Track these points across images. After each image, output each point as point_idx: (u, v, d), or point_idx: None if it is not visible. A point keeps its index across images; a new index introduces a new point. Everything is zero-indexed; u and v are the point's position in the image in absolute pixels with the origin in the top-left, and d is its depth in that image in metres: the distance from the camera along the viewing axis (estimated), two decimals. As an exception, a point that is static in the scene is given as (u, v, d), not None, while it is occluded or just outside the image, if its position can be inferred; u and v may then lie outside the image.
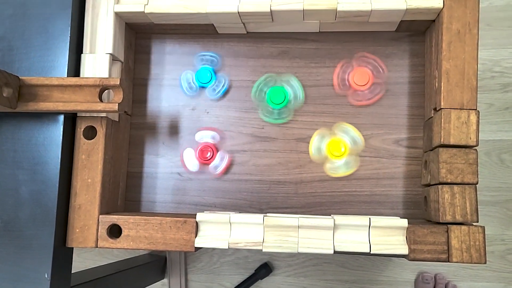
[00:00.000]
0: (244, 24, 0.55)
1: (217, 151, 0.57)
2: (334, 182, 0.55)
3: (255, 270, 0.85)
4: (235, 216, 0.49)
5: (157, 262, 0.83)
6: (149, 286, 0.81)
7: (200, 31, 0.58)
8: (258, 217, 0.48)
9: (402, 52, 0.56)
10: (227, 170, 0.57)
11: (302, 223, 0.47)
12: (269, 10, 0.51)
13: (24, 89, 0.50)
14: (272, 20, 0.53)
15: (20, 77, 0.50)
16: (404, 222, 0.47)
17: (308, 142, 0.56)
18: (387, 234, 0.47)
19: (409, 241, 0.47)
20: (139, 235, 0.50)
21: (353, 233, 0.48)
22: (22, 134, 0.52)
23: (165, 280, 0.85)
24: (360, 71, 0.55)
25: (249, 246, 0.48)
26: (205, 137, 0.57)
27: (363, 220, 0.47)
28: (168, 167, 0.58)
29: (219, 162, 0.57)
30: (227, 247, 0.49)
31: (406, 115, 0.56)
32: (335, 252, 0.47)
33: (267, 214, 0.49)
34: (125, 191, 0.59)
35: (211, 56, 0.58)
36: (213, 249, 0.85)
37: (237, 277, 0.86)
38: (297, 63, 0.57)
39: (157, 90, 0.59)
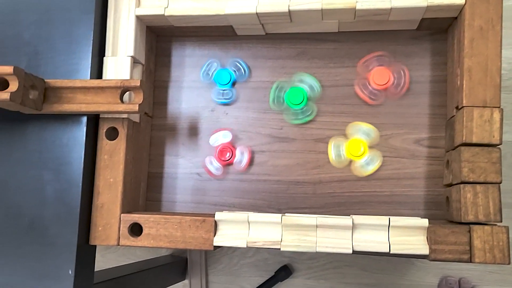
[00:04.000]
0: (262, 25, 0.56)
1: (235, 148, 0.57)
2: (353, 182, 0.55)
3: (275, 272, 0.85)
4: (254, 216, 0.49)
5: (178, 263, 0.84)
6: (171, 287, 0.82)
7: (219, 33, 0.59)
8: (276, 216, 0.48)
9: (423, 50, 0.56)
10: (250, 163, 0.57)
11: (321, 222, 0.47)
12: (287, 10, 0.51)
13: (49, 92, 0.52)
14: (291, 20, 0.54)
15: (45, 80, 0.51)
16: (425, 222, 0.46)
17: (327, 143, 0.56)
18: (407, 234, 0.47)
19: (430, 241, 0.46)
20: (159, 233, 0.51)
21: (372, 233, 0.47)
22: (47, 135, 0.54)
23: (186, 281, 0.86)
24: (380, 71, 0.55)
25: (267, 245, 0.48)
26: (219, 138, 0.58)
27: (382, 220, 0.47)
28: (187, 167, 0.59)
29: (241, 157, 0.57)
30: (245, 246, 0.49)
31: (427, 114, 0.55)
32: (353, 252, 0.47)
33: (285, 214, 0.49)
34: (146, 191, 0.60)
35: (242, 66, 0.58)
36: (233, 250, 0.85)
37: (257, 279, 0.86)
38: (316, 64, 0.57)
39: (177, 92, 0.60)
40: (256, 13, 0.52)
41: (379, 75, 0.55)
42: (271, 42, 0.58)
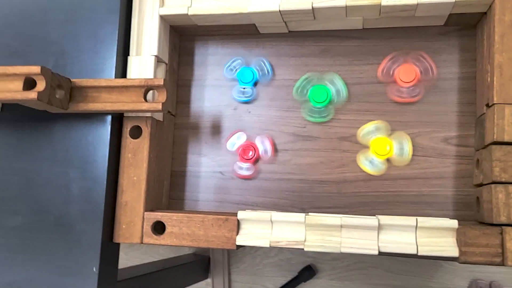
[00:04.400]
0: (285, 23, 0.55)
1: (255, 143, 0.57)
2: (379, 181, 0.54)
3: (298, 272, 0.84)
4: (277, 215, 0.48)
5: (201, 262, 0.84)
6: (193, 285, 0.82)
7: (242, 32, 0.59)
8: (300, 216, 0.48)
9: (451, 47, 0.54)
10: (245, 179, 0.57)
11: (345, 222, 0.46)
12: (310, 8, 0.50)
13: (75, 91, 0.53)
14: (314, 17, 0.53)
15: (71, 79, 0.52)
16: (454, 223, 0.45)
17: (351, 141, 0.55)
18: (435, 236, 0.45)
19: (459, 243, 0.44)
20: (182, 232, 0.51)
21: (399, 234, 0.46)
22: (73, 133, 0.54)
23: (208, 280, 0.86)
24: (406, 68, 0.53)
25: (290, 245, 0.48)
26: (236, 141, 0.57)
27: (409, 220, 0.46)
28: (210, 166, 0.59)
29: (264, 146, 0.56)
30: (268, 246, 0.48)
31: (455, 112, 0.53)
32: (379, 253, 0.46)
33: (309, 213, 0.48)
34: (169, 190, 0.60)
35: (266, 67, 0.58)
36: (256, 250, 0.85)
37: (280, 279, 0.85)
38: (340, 61, 0.56)
39: (200, 90, 0.60)
40: (279, 10, 0.51)
41: (405, 72, 0.53)
42: (294, 39, 0.58)
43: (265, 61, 0.58)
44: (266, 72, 0.58)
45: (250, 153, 0.56)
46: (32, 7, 0.57)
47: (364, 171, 0.54)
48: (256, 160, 0.57)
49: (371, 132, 0.54)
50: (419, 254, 0.45)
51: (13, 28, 0.57)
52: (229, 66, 0.59)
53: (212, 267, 0.85)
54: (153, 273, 0.63)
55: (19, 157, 0.55)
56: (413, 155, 0.53)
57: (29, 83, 0.49)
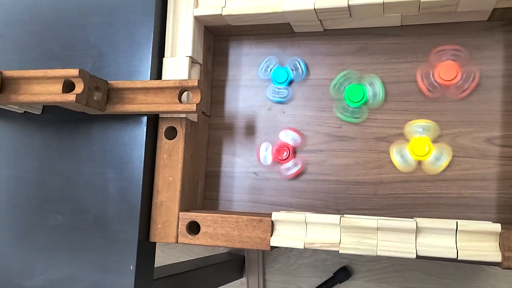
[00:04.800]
0: (320, 21, 0.54)
1: (294, 153, 0.56)
2: (417, 183, 0.52)
3: (333, 273, 0.83)
4: (311, 216, 0.48)
5: (236, 261, 0.84)
6: (228, 284, 0.83)
7: (276, 31, 0.58)
8: (335, 217, 0.47)
9: (495, 43, 0.52)
10: (299, 174, 0.56)
11: (381, 225, 0.45)
12: (346, 5, 0.49)
13: (112, 93, 0.54)
14: (350, 15, 0.52)
15: (108, 81, 0.53)
16: (497, 227, 0.43)
17: (389, 141, 0.53)
18: (477, 240, 0.44)
19: (502, 247, 0.42)
20: (217, 232, 0.51)
21: (438, 238, 0.44)
22: (110, 134, 0.55)
23: (243, 279, 0.86)
24: (447, 65, 0.52)
25: (325, 247, 0.47)
26: (288, 137, 0.57)
27: (449, 223, 0.44)
28: (244, 166, 0.59)
29: (292, 166, 0.56)
30: (302, 247, 0.48)
31: (499, 111, 0.51)
32: (417, 257, 0.44)
33: (344, 215, 0.47)
34: (203, 190, 0.60)
35: (300, 66, 0.57)
36: (291, 250, 0.85)
37: (314, 279, 0.84)
38: (377, 59, 0.55)
39: (235, 91, 0.60)
40: (314, 9, 0.51)
41: (446, 70, 0.51)
42: (329, 38, 0.57)
43: (299, 60, 0.57)
44: (301, 72, 0.57)
45: (285, 154, 0.56)
46: (71, 12, 0.59)
47: (396, 168, 0.52)
48: (278, 163, 0.57)
49: (418, 129, 0.52)
50: (459, 258, 0.44)
51: (54, 32, 0.59)
52: (263, 66, 0.59)
53: (247, 267, 0.86)
54: (189, 272, 0.64)
55: (59, 158, 0.57)
56: (453, 156, 0.51)
57: (68, 86, 0.50)
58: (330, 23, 0.55)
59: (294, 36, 0.58)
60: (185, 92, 0.53)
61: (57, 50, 0.59)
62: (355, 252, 0.46)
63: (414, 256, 0.44)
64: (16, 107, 0.57)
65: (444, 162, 0.51)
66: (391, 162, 0.53)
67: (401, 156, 0.52)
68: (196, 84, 0.51)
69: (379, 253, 0.45)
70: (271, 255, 0.88)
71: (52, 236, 0.55)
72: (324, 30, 0.57)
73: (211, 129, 0.61)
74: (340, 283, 0.81)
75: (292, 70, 0.57)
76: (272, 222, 0.49)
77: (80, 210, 0.55)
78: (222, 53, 0.62)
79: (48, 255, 0.55)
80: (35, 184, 0.57)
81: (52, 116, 0.58)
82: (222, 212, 0.54)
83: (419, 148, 0.51)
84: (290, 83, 0.58)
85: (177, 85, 0.51)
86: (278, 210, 0.56)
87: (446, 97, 0.52)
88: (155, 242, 0.55)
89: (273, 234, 0.49)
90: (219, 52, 0.62)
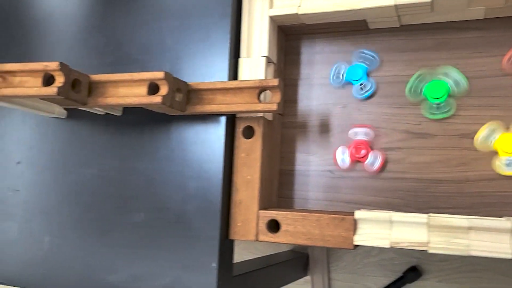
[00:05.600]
0: (399, 16, 0.53)
1: (371, 148, 0.56)
2: (507, 181, 0.50)
3: (403, 273, 0.82)
4: (397, 215, 0.47)
5: (300, 259, 0.84)
6: (292, 282, 0.83)
7: (350, 28, 0.58)
8: (422, 216, 0.46)
9: None
10: (383, 167, 0.55)
11: (474, 224, 0.44)
12: (429, 0, 0.48)
13: (191, 94, 0.55)
14: (432, 10, 0.51)
15: (188, 83, 0.54)
16: None
17: (473, 138, 0.52)
18: None
19: None
20: (297, 230, 0.51)
21: (536, 238, 0.43)
22: (189, 134, 0.57)
23: (307, 277, 0.87)
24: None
25: (412, 247, 0.47)
26: (359, 134, 0.56)
27: (547, 223, 0.42)
28: (319, 165, 0.59)
29: (374, 159, 0.55)
30: (388, 246, 0.47)
31: None
32: (513, 257, 0.43)
33: (431, 214, 0.46)
34: (277, 188, 0.61)
35: (369, 55, 0.57)
36: (357, 248, 0.84)
37: (382, 279, 0.83)
38: (458, 54, 0.53)
39: (308, 89, 0.60)
40: (395, 5, 0.50)
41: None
42: (406, 33, 0.56)
43: (364, 51, 0.57)
44: (372, 59, 0.56)
45: (362, 151, 0.56)
46: (148, 17, 0.61)
47: (499, 173, 0.50)
48: (357, 162, 0.56)
49: (489, 135, 0.50)
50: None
51: (131, 37, 0.61)
52: (334, 75, 0.58)
53: (312, 265, 0.86)
54: (263, 269, 0.65)
55: (139, 157, 0.59)
56: (544, 152, 0.49)
57: (152, 88, 0.52)
58: (409, 18, 0.54)
59: (369, 33, 0.58)
60: (263, 92, 0.54)
61: (134, 54, 0.61)
62: (445, 252, 0.45)
63: (510, 256, 0.43)
64: (100, 109, 0.59)
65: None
66: (476, 159, 0.52)
67: (507, 165, 0.50)
68: (277, 84, 0.51)
69: (472, 253, 0.44)
70: (336, 253, 0.87)
71: (134, 233, 0.57)
72: (401, 25, 0.56)
73: (284, 127, 0.61)
74: (410, 283, 0.80)
75: (363, 62, 0.57)
76: (355, 220, 0.49)
77: (161, 208, 0.57)
78: (294, 52, 0.62)
79: (130, 251, 0.57)
80: (117, 183, 0.59)
81: (132, 117, 0.60)
82: (303, 211, 0.54)
83: (507, 145, 0.49)
84: (368, 75, 0.57)
85: (257, 85, 0.52)
86: (355, 209, 0.55)
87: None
88: (234, 240, 0.56)
89: (356, 233, 0.49)
90: (291, 51, 0.62)
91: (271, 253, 0.83)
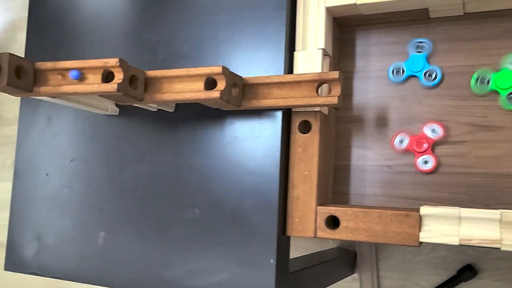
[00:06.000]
0: (463, 4, 0.51)
1: (433, 146, 0.54)
2: None
3: (457, 271, 0.79)
4: (467, 211, 0.45)
5: (348, 256, 0.83)
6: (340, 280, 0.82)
7: (409, 18, 0.56)
8: (494, 212, 0.44)
9: None
10: (436, 168, 0.53)
11: (554, 221, 0.42)
12: (499, -15, 0.46)
13: (246, 88, 0.54)
14: (500, -4, 0.48)
15: (243, 77, 0.54)
16: None
17: (546, 130, 0.49)
18: None
19: None
20: (358, 227, 0.50)
21: None
22: (244, 129, 0.56)
23: (355, 275, 0.85)
24: None
25: (484, 244, 0.45)
26: (427, 128, 0.54)
27: None
28: (377, 160, 0.57)
29: (429, 159, 0.54)
30: (457, 244, 0.45)
31: None
32: None
33: (504, 210, 0.44)
34: (332, 184, 0.59)
35: (422, 42, 0.55)
36: (406, 246, 0.82)
37: (434, 277, 0.81)
38: (528, 42, 0.51)
39: (363, 82, 0.59)
40: (462, -9, 0.48)
41: None
42: (470, 22, 0.54)
43: (417, 40, 0.55)
44: (426, 45, 0.54)
45: (424, 145, 0.54)
46: (200, 11, 0.60)
47: None
48: (432, 150, 0.54)
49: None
50: None
51: (184, 32, 0.61)
52: (393, 71, 0.57)
53: (359, 262, 0.84)
54: (315, 267, 0.64)
55: (193, 153, 0.59)
56: None
57: (209, 83, 0.51)
58: (474, 6, 0.52)
59: (429, 22, 0.56)
60: (322, 85, 0.53)
61: (186, 49, 0.61)
62: (522, 249, 0.43)
63: None
64: (154, 106, 0.59)
65: None
66: (550, 153, 0.49)
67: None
68: (337, 77, 0.50)
69: (553, 251, 0.42)
70: (385, 250, 0.85)
71: (189, 228, 0.57)
72: (464, 13, 0.53)
73: (338, 122, 0.60)
74: (465, 282, 0.77)
75: (420, 52, 0.55)
76: (420, 216, 0.47)
77: (216, 204, 0.56)
78: (348, 44, 0.60)
79: (186, 247, 0.57)
80: (171, 179, 0.59)
81: (184, 113, 0.60)
82: (362, 206, 0.53)
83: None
84: (427, 61, 0.55)
85: (316, 78, 0.51)
86: (416, 205, 0.53)
87: None
88: (290, 236, 0.55)
89: (422, 230, 0.47)
90: (345, 43, 0.60)
91: (317, 250, 0.82)
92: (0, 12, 1.39)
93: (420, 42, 0.55)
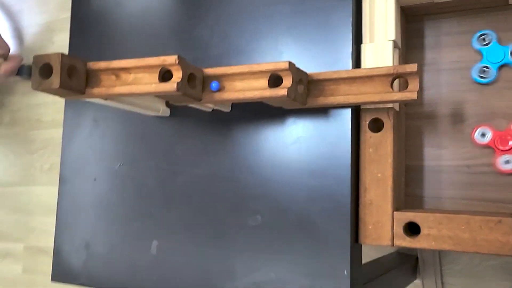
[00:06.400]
0: (556, -15, 0.46)
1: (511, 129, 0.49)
2: None
3: (531, 278, 0.74)
4: None
5: (410, 262, 0.78)
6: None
7: (485, 4, 0.51)
8: None
9: None
10: None
11: None
12: None
13: (311, 85, 0.50)
14: None
15: (307, 73, 0.50)
16: None
17: None
18: None
19: None
20: (442, 234, 0.45)
21: None
22: (308, 129, 0.52)
23: (417, 281, 0.80)
24: None
25: None
26: (482, 137, 0.50)
27: None
28: (453, 159, 0.52)
29: (509, 160, 0.49)
30: (562, 253, 0.40)
31: None
32: None
33: None
34: (404, 186, 0.55)
35: (488, 33, 0.50)
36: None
37: (506, 283, 0.76)
38: None
39: (435, 75, 0.54)
40: (559, -30, 0.43)
41: None
42: (560, 5, 0.48)
43: (484, 31, 0.50)
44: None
45: (510, 142, 0.49)
46: (256, 2, 0.57)
47: None
48: (497, 154, 0.49)
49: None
50: None
51: (238, 26, 0.57)
52: (480, 37, 0.51)
53: (421, 268, 0.79)
54: (383, 275, 0.59)
55: (252, 156, 0.55)
56: None
57: (273, 80, 0.47)
58: None
59: (508, 9, 0.51)
60: (396, 80, 0.48)
61: (242, 44, 0.57)
62: None
63: None
64: (210, 106, 0.56)
65: None
66: None
67: None
68: (416, 70, 0.45)
69: None
70: (450, 255, 0.80)
71: (252, 236, 0.54)
72: (553, -3, 0.48)
73: (407, 119, 0.55)
74: (541, 289, 0.72)
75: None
76: (516, 222, 0.42)
77: (281, 210, 0.52)
78: (416, 35, 0.56)
79: (249, 256, 0.53)
80: (229, 184, 0.56)
81: (240, 113, 0.56)
82: (444, 212, 0.48)
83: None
84: (502, 66, 0.50)
85: (391, 72, 0.46)
86: (504, 209, 0.49)
87: None
88: (361, 245, 0.51)
89: (518, 237, 0.42)
90: (412, 34, 0.56)
91: (375, 255, 0.77)
92: (35, 14, 1.39)
93: (487, 34, 0.50)
